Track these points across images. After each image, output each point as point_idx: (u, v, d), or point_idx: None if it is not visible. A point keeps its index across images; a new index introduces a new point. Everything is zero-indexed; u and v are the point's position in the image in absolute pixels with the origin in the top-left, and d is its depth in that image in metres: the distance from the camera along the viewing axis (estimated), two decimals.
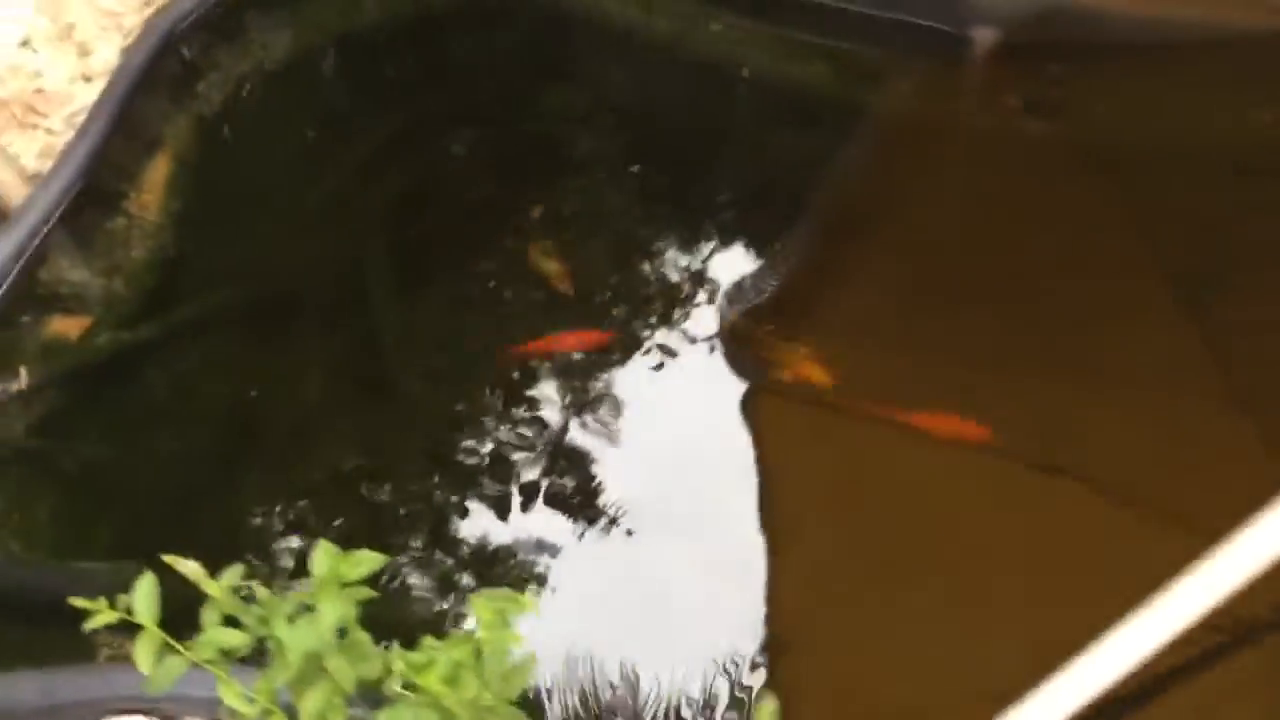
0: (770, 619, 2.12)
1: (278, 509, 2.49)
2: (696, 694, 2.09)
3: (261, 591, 1.46)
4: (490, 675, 1.41)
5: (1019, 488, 2.14)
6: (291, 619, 1.41)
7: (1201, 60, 2.76)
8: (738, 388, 2.45)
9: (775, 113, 3.13)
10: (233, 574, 1.46)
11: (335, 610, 1.39)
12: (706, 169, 3.05)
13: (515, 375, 2.68)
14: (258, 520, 2.49)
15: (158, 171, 2.91)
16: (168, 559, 1.44)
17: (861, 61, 3.10)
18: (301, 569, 2.35)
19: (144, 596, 1.38)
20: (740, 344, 2.51)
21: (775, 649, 2.09)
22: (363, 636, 1.45)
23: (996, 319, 2.40)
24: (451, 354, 2.75)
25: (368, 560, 1.44)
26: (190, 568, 1.43)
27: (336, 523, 2.48)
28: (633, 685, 2.13)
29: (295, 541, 2.45)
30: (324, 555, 1.44)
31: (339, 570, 1.41)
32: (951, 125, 2.93)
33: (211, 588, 1.43)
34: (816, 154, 2.93)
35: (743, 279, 2.67)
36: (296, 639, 1.38)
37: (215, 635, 1.41)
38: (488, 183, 3.08)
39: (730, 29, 3.23)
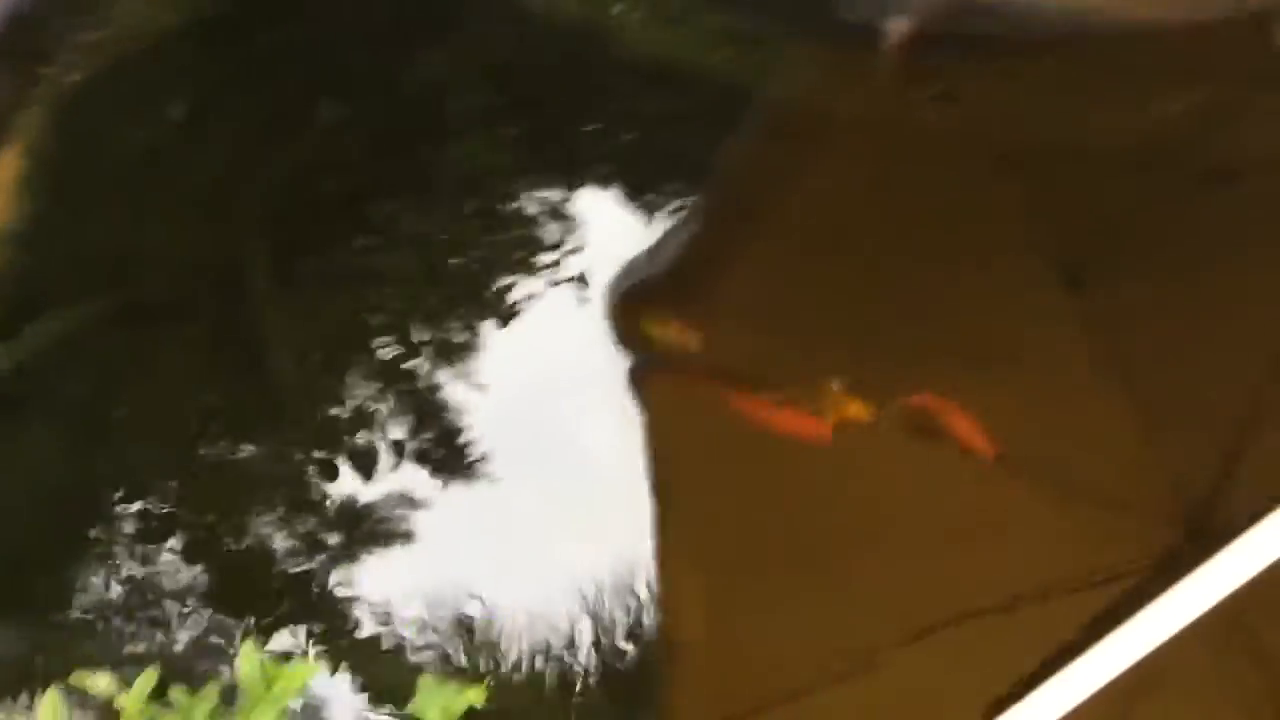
0: (643, 579, 2.15)
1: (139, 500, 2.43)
2: (565, 643, 2.11)
3: (179, 698, 1.39)
4: None
5: (899, 457, 2.11)
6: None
7: (1113, 53, 2.78)
8: (621, 362, 2.40)
9: (674, 94, 3.09)
10: (146, 680, 1.39)
11: None
12: (592, 144, 3.03)
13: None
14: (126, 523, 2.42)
15: (5, 170, 2.77)
16: (77, 680, 1.39)
17: (768, 46, 3.09)
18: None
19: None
20: (627, 320, 2.47)
21: (647, 609, 2.11)
22: None
23: (883, 302, 2.39)
24: (333, 332, 2.71)
25: (300, 673, 1.40)
26: (101, 684, 1.38)
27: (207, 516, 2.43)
28: (501, 632, 2.14)
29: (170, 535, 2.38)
30: (250, 663, 1.37)
31: (269, 679, 1.35)
32: (854, 114, 2.92)
33: (128, 702, 1.36)
34: (712, 135, 2.91)
35: (632, 257, 2.63)
36: None
37: None
38: (363, 155, 3.02)
39: (636, 10, 3.20)
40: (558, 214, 2.80)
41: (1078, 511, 1.80)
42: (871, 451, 2.17)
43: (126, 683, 1.40)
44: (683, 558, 2.22)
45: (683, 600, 2.17)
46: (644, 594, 2.07)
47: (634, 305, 2.54)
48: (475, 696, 1.42)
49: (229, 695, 1.40)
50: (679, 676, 2.06)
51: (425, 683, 1.46)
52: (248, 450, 2.49)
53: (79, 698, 1.48)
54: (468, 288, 2.72)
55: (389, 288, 2.74)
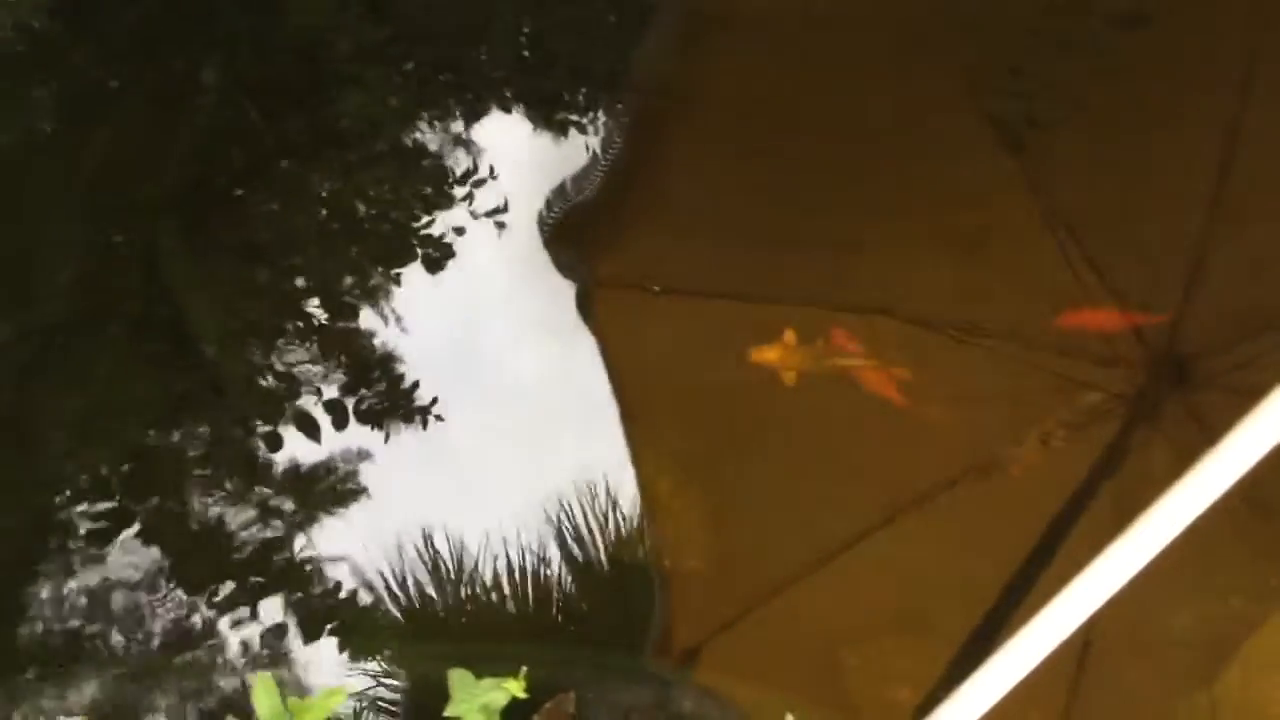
0: (614, 492, 2.17)
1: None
2: (545, 568, 2.12)
3: None
4: None
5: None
6: None
7: None
8: (566, 286, 2.35)
9: (571, 5, 3.00)
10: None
11: None
12: (492, 67, 2.90)
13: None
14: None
15: None
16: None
17: None
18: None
19: None
20: (566, 243, 2.43)
21: (625, 521, 2.13)
22: None
23: (827, 191, 2.33)
24: (256, 303, 2.64)
25: (326, 701, 1.32)
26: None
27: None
28: (478, 567, 2.14)
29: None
30: (268, 700, 1.29)
31: (293, 714, 1.28)
32: (761, 4, 2.85)
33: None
34: (618, 44, 2.83)
35: (556, 179, 2.57)
36: None
37: None
38: (256, 118, 2.88)
39: None
40: (468, 144, 2.72)
41: (1046, 363, 1.80)
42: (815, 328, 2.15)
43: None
44: (655, 467, 2.22)
45: (664, 509, 2.17)
46: (618, 507, 2.07)
47: (569, 229, 2.49)
48: (515, 688, 1.29)
49: None
50: (674, 588, 2.07)
51: (459, 679, 1.31)
52: (190, 434, 2.45)
53: None
54: (388, 235, 2.65)
55: (308, 248, 2.67)
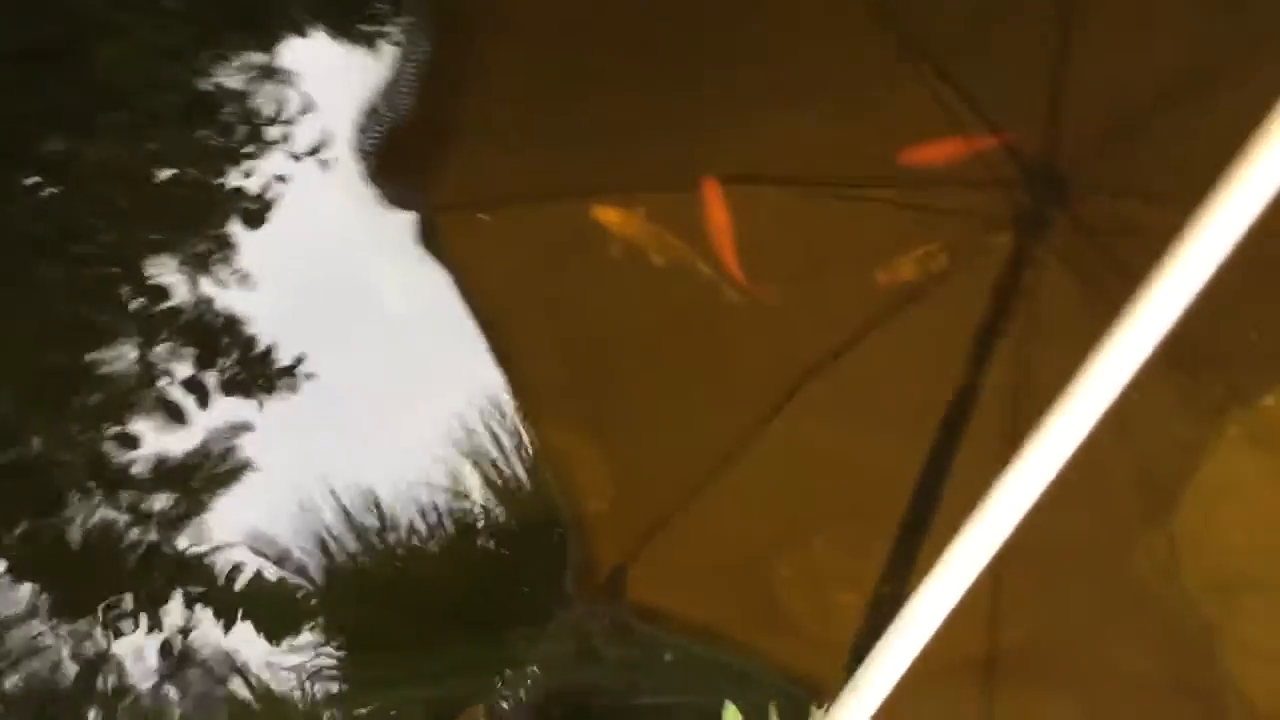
0: (503, 422, 2.07)
1: None
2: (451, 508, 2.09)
3: None
4: None
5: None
6: None
7: None
8: (404, 218, 2.23)
9: None
10: None
11: None
12: None
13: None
14: None
15: None
16: None
17: None
18: None
19: None
20: (391, 172, 2.27)
21: (518, 449, 2.08)
22: None
23: (670, 62, 2.25)
24: (66, 304, 2.37)
25: None
26: None
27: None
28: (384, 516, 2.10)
29: None
30: None
31: None
32: None
33: None
34: None
35: (368, 102, 2.38)
36: None
37: None
38: (13, 93, 2.50)
39: None
40: (268, 79, 2.46)
41: (922, 200, 1.79)
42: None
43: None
44: (534, 407, 2.18)
45: (553, 449, 2.15)
46: (510, 436, 2.05)
47: (392, 155, 2.33)
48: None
49: None
50: (585, 525, 2.06)
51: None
52: (31, 456, 2.24)
53: None
54: (196, 197, 2.41)
55: (102, 232, 2.39)
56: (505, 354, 2.14)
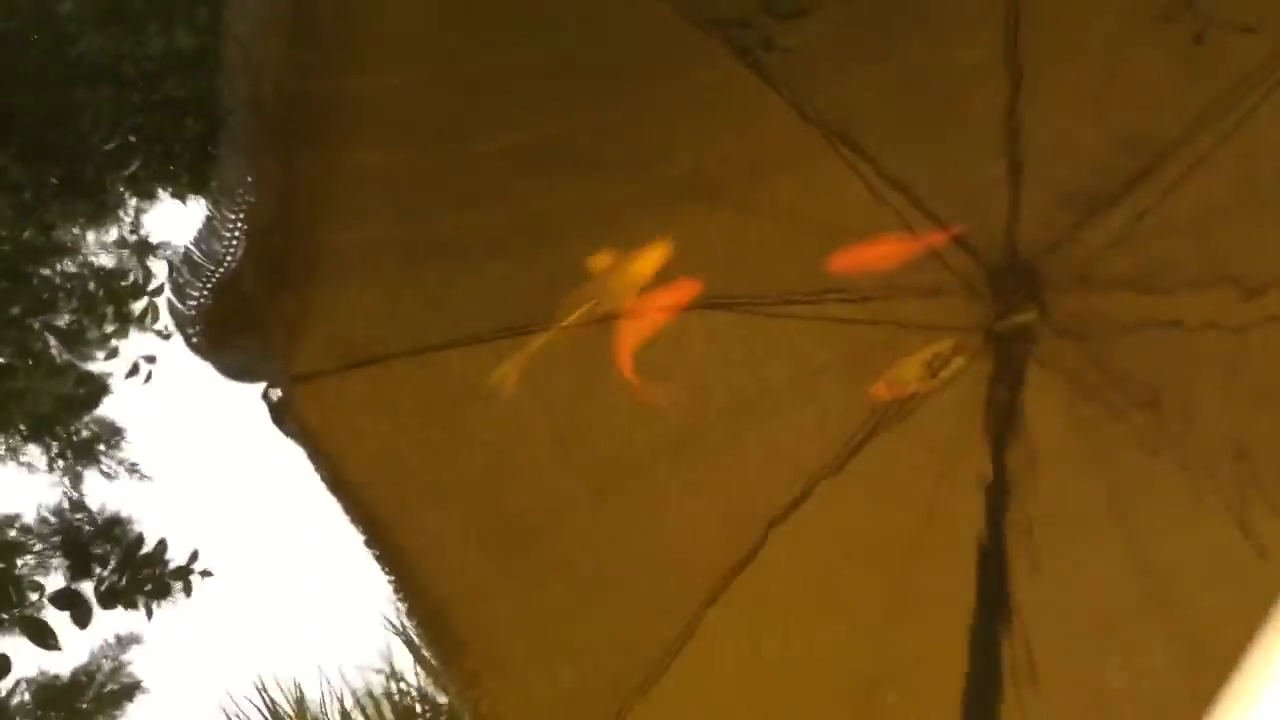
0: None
1: None
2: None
3: None
4: None
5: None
6: None
7: None
8: (247, 390, 1.96)
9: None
10: None
11: None
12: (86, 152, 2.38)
13: None
14: None
15: None
16: None
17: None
18: None
19: None
20: (226, 338, 1.91)
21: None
22: None
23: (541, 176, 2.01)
24: None
25: None
26: None
27: None
28: None
29: None
30: None
31: None
32: None
33: None
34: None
35: (185, 253, 2.11)
36: None
37: None
38: None
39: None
40: (128, 248, 2.27)
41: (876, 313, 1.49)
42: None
43: None
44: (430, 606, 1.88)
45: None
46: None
47: (223, 317, 1.94)
48: None
49: None
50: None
51: None
52: None
53: None
54: (31, 395, 2.14)
55: None
56: (392, 551, 1.77)
